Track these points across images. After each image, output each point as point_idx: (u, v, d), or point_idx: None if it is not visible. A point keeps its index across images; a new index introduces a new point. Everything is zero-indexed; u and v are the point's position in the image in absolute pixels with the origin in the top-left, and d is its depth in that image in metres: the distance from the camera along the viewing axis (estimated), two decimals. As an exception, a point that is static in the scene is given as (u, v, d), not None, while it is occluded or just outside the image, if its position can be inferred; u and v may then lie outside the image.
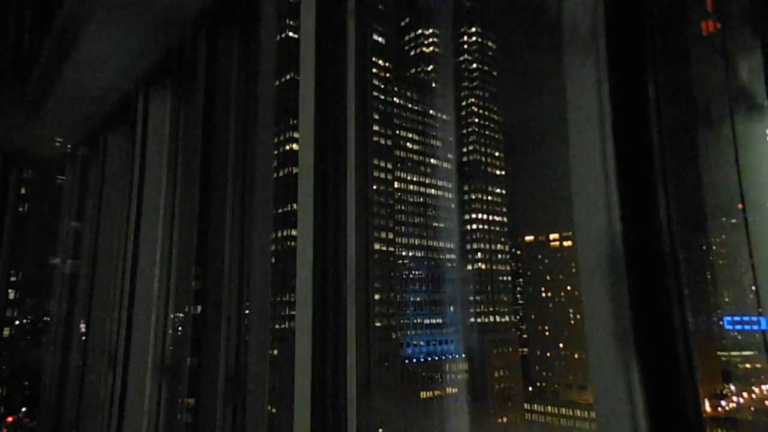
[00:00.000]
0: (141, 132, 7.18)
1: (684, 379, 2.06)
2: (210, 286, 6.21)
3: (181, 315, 7.32)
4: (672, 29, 2.64)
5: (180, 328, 7.37)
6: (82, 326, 9.05)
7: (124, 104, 7.91)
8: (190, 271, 7.10)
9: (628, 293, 2.10)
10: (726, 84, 2.82)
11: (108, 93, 7.65)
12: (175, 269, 7.04)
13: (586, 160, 2.30)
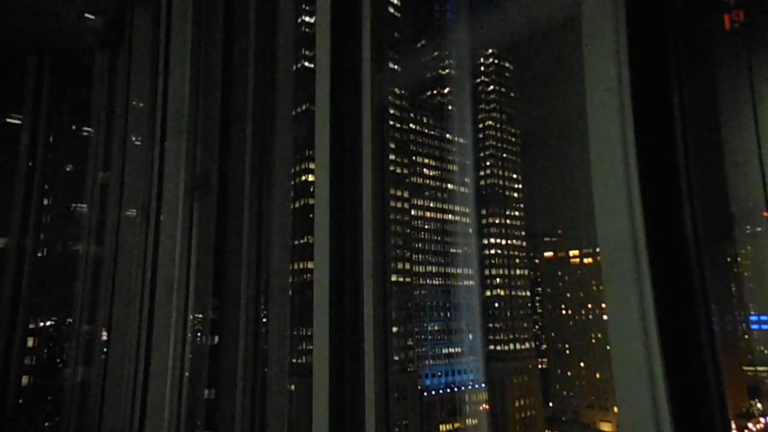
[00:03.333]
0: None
1: (711, 392, 2.02)
2: (227, 317, 6.23)
3: (199, 327, 7.34)
4: (692, 26, 2.60)
5: (197, 355, 7.38)
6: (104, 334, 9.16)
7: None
8: (208, 299, 7.14)
9: (653, 298, 2.08)
10: (750, 83, 2.78)
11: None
12: (192, 297, 7.09)
13: (607, 163, 2.28)
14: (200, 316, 7.23)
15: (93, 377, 9.45)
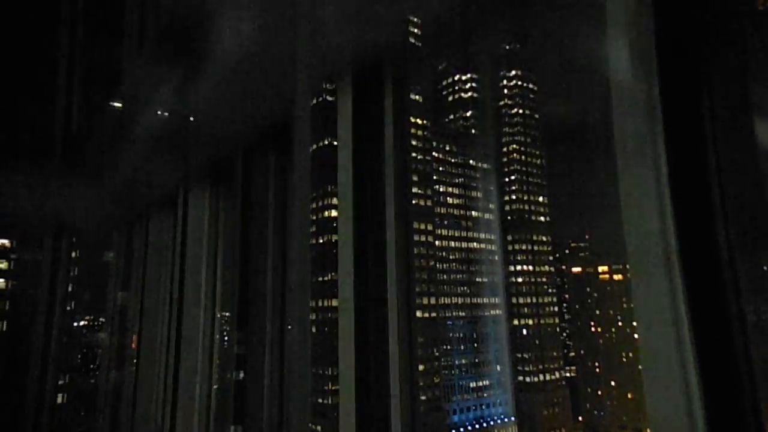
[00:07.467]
0: (182, 223, 7.67)
1: (749, 412, 1.83)
2: (251, 353, 6.16)
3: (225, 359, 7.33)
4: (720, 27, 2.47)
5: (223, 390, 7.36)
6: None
7: (167, 198, 8.43)
8: (232, 346, 7.12)
9: (685, 295, 1.89)
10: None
11: (152, 188, 8.44)
12: (218, 345, 7.13)
13: (636, 168, 2.11)
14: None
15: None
